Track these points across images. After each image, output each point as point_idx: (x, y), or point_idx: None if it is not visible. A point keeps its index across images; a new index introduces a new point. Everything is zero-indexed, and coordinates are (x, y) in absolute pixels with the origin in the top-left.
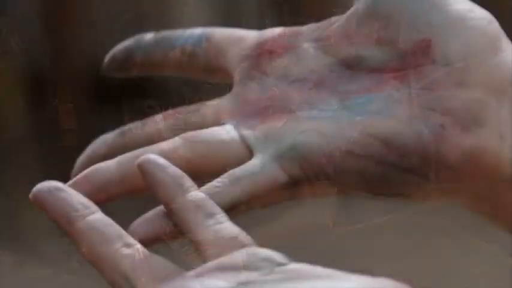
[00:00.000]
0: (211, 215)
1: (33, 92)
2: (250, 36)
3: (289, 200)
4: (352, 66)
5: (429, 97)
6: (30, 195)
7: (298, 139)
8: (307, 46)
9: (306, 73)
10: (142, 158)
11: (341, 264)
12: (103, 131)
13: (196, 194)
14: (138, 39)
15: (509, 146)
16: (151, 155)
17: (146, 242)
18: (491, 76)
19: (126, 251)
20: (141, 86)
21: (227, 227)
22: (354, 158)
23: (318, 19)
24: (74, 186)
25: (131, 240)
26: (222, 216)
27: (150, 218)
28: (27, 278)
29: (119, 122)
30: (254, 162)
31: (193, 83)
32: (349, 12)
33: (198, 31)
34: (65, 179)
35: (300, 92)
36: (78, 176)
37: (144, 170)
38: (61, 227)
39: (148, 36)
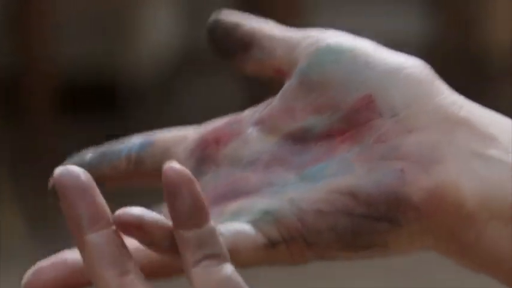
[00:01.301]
0: (210, 256)
1: (2, 98)
2: (192, 132)
3: (268, 264)
4: (299, 139)
5: (382, 149)
6: (55, 174)
7: (269, 205)
8: (251, 130)
9: (256, 155)
10: (170, 165)
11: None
12: (73, 135)
13: (206, 231)
14: (79, 159)
15: (467, 181)
16: (179, 167)
17: (128, 232)
18: (437, 118)
19: (120, 280)
20: (112, 89)
21: (221, 268)
22: (324, 216)
23: (282, 19)
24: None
25: (130, 266)
26: (222, 257)
27: (152, 218)
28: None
29: (89, 128)
30: (233, 224)
31: None
32: (283, 89)
33: (139, 139)
34: (36, 182)
35: (255, 174)
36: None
37: (167, 180)
38: (71, 230)
39: (89, 153)
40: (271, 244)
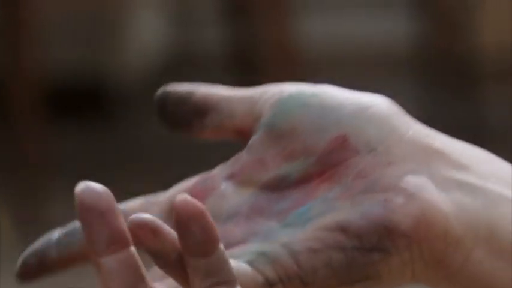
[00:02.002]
0: (219, 283)
1: None
2: (162, 196)
3: None
4: (275, 187)
5: (364, 184)
6: (76, 191)
7: (263, 247)
8: (225, 186)
9: (235, 208)
10: (182, 197)
11: None
12: (61, 139)
13: (215, 258)
14: (47, 239)
15: (450, 208)
16: (191, 200)
17: (142, 243)
18: (414, 149)
19: None
20: (99, 93)
21: None
22: (317, 254)
23: (271, 21)
24: None
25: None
26: (231, 283)
27: (166, 230)
28: None
29: (77, 132)
30: (230, 262)
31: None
32: (250, 143)
33: None
34: (25, 187)
35: (238, 227)
36: None
37: (178, 213)
38: (88, 249)
39: (56, 232)
40: (269, 284)
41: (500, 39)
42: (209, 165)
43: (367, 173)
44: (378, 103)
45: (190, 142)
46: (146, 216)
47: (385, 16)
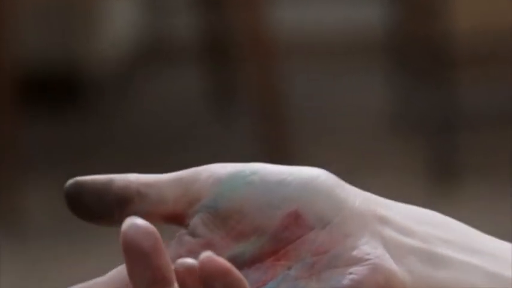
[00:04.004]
0: None
1: None
2: (101, 279)
3: None
4: None
5: (325, 259)
6: (123, 227)
7: None
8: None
9: None
10: (206, 255)
11: None
12: (34, 127)
13: None
14: None
15: (406, 274)
16: (215, 257)
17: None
18: (363, 219)
19: None
20: (73, 81)
21: None
22: None
23: (243, 11)
24: None
25: None
26: None
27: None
28: None
29: (50, 121)
30: None
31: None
32: (192, 225)
33: None
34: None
35: None
36: None
37: (202, 268)
38: (132, 284)
39: None
40: None
41: (474, 25)
42: (182, 153)
43: (327, 248)
44: (320, 175)
45: (163, 132)
46: (194, 261)
47: (358, 2)
